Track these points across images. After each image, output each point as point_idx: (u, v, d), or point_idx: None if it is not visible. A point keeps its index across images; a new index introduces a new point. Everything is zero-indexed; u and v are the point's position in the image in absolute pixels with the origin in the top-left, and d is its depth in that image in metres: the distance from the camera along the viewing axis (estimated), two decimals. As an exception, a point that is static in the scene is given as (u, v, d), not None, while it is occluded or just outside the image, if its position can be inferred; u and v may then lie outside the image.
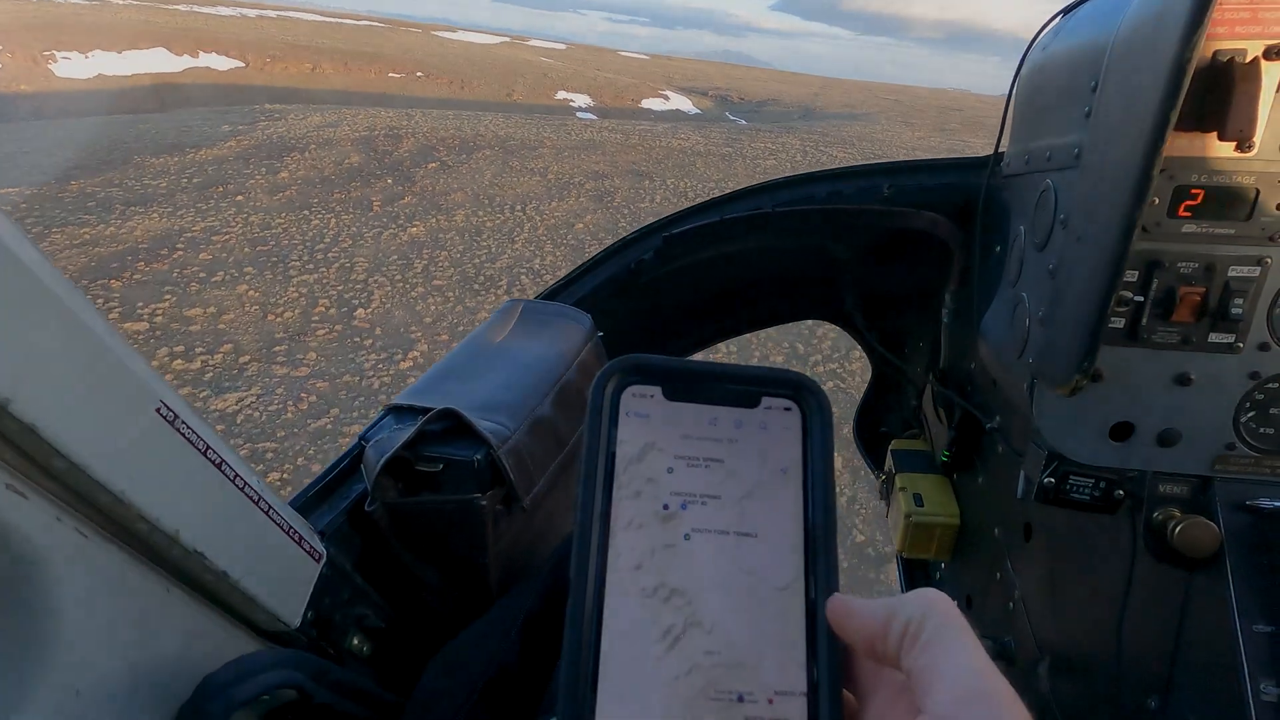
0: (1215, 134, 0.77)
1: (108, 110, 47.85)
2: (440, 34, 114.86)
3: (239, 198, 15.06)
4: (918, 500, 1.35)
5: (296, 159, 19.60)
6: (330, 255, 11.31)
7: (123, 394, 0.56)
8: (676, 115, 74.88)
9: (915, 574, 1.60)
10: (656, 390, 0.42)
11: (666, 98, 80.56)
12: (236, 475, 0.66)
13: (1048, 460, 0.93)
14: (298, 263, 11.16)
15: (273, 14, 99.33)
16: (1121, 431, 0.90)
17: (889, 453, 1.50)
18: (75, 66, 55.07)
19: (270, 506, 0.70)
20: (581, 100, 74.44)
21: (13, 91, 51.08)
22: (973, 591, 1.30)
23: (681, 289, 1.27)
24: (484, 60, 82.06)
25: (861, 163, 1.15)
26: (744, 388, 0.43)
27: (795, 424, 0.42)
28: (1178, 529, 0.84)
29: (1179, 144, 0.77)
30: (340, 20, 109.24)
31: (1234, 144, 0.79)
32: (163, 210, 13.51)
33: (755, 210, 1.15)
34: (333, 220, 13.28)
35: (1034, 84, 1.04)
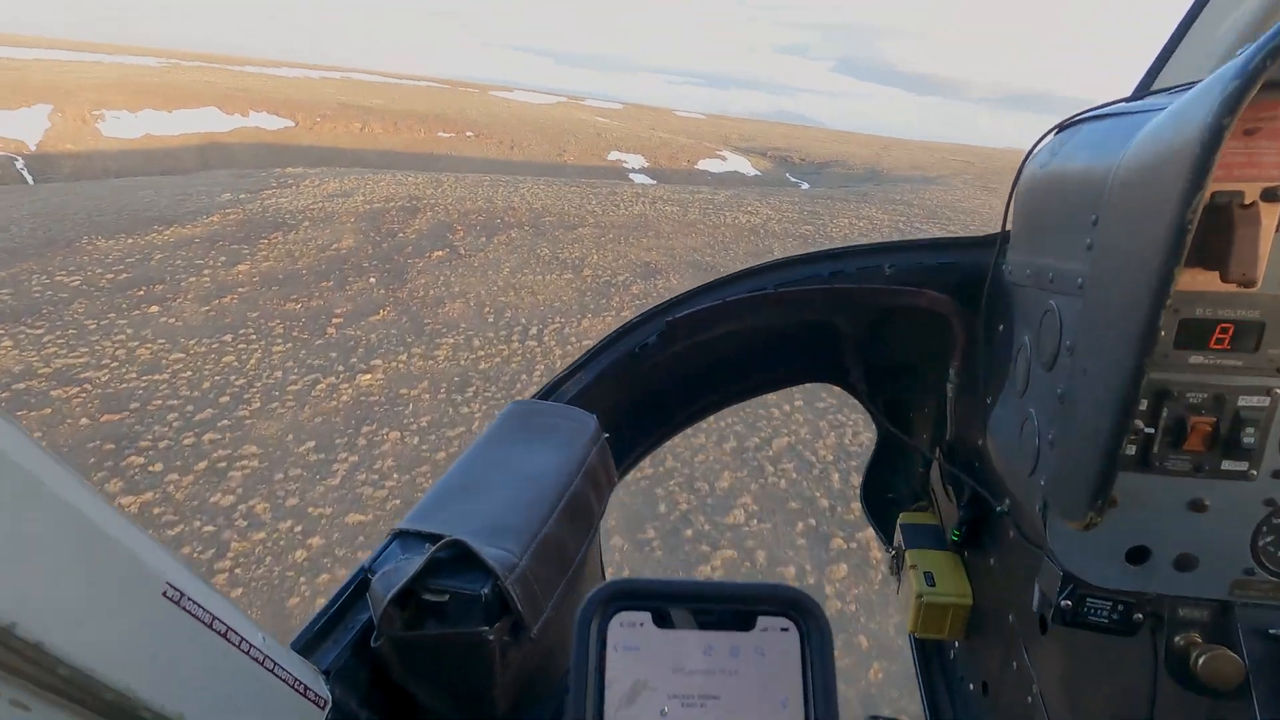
0: (1218, 273, 0.78)
1: (144, 170, 46.49)
2: (498, 94, 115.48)
3: (151, 309, 11.16)
4: (929, 579, 1.30)
5: (275, 242, 15.78)
6: (206, 444, 7.01)
7: (129, 586, 0.55)
8: (735, 177, 70.97)
9: (929, 654, 1.53)
10: (646, 617, 0.40)
11: (724, 158, 77.06)
12: (241, 640, 0.65)
13: (1063, 582, 0.92)
14: (139, 459, 6.86)
15: (336, 75, 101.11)
16: (1138, 555, 0.90)
17: (898, 526, 1.43)
18: (123, 125, 54.58)
19: (275, 663, 0.69)
20: (635, 161, 71.38)
21: (58, 151, 50.51)
22: (989, 678, 1.26)
23: (684, 367, 1.20)
24: (538, 120, 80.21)
25: (861, 242, 1.12)
26: (738, 608, 0.41)
27: (794, 646, 0.41)
28: (1201, 660, 0.84)
29: (1182, 279, 0.76)
30: (400, 81, 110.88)
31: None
32: (30, 333, 9.62)
33: (758, 292, 1.12)
34: (256, 354, 9.14)
35: (1034, 199, 1.02)
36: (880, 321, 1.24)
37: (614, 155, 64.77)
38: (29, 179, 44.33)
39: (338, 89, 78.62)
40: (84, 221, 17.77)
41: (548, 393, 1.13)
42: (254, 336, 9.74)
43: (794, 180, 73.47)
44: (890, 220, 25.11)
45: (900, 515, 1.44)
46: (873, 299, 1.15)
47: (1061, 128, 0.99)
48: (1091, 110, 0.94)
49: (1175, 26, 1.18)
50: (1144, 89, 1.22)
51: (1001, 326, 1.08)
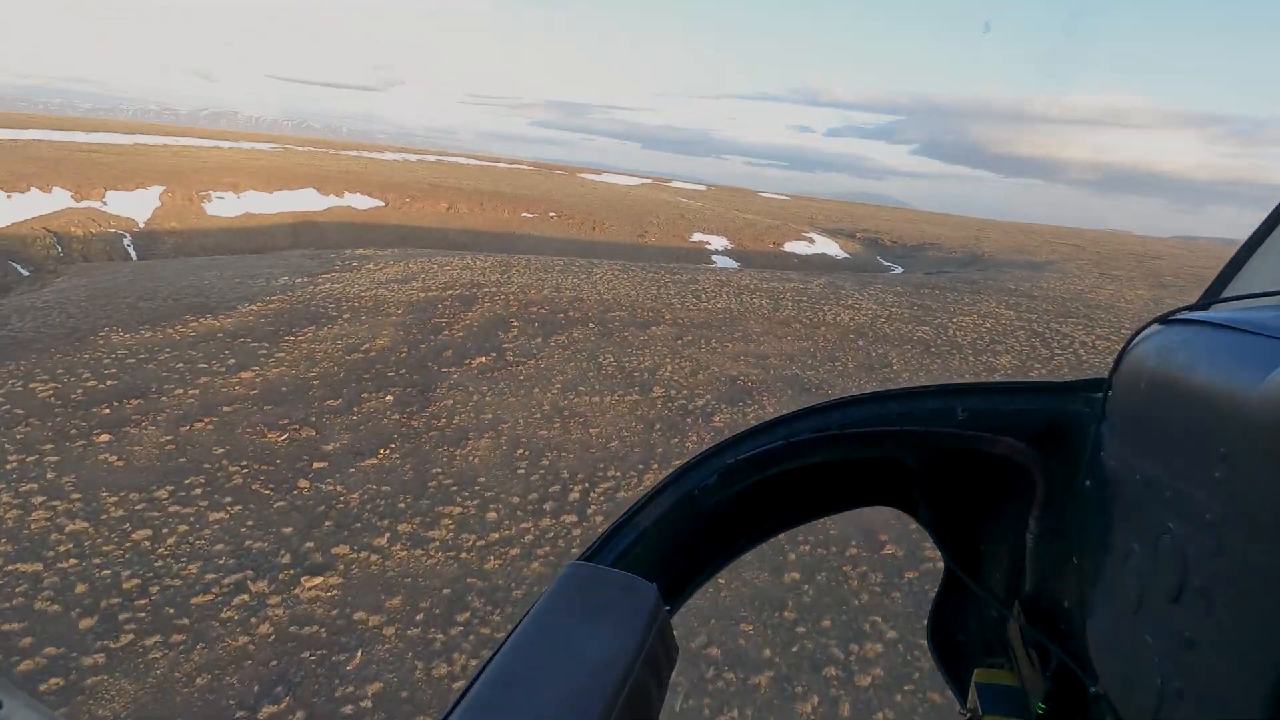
0: None
1: (239, 247, 47.76)
2: (585, 176, 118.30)
3: (102, 437, 8.94)
4: None
5: (303, 339, 13.67)
6: None
7: None
8: (823, 259, 67.83)
9: None
10: None
11: (811, 240, 74.26)
12: None
13: None
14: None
15: (433, 158, 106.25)
16: None
17: (973, 685, 1.31)
18: (226, 205, 57.23)
19: None
20: (719, 242, 69.60)
21: (164, 229, 53.10)
22: None
23: (745, 504, 1.19)
24: (621, 201, 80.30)
25: (932, 384, 1.11)
26: None
27: None
28: None
29: None
30: (494, 164, 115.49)
31: None
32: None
33: (822, 433, 1.11)
34: (182, 528, 6.54)
35: (1143, 397, 0.96)
36: (952, 462, 1.16)
37: (697, 236, 63.15)
38: (133, 254, 46.36)
39: (432, 171, 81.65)
40: (123, 307, 16.49)
41: (603, 543, 1.08)
42: (198, 493, 7.32)
43: (886, 263, 69.66)
44: (1018, 318, 21.20)
45: (976, 672, 1.28)
46: (945, 442, 1.08)
47: (1166, 320, 0.94)
48: (1201, 313, 0.90)
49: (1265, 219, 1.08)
50: (1230, 275, 1.09)
51: (1099, 504, 1.00)
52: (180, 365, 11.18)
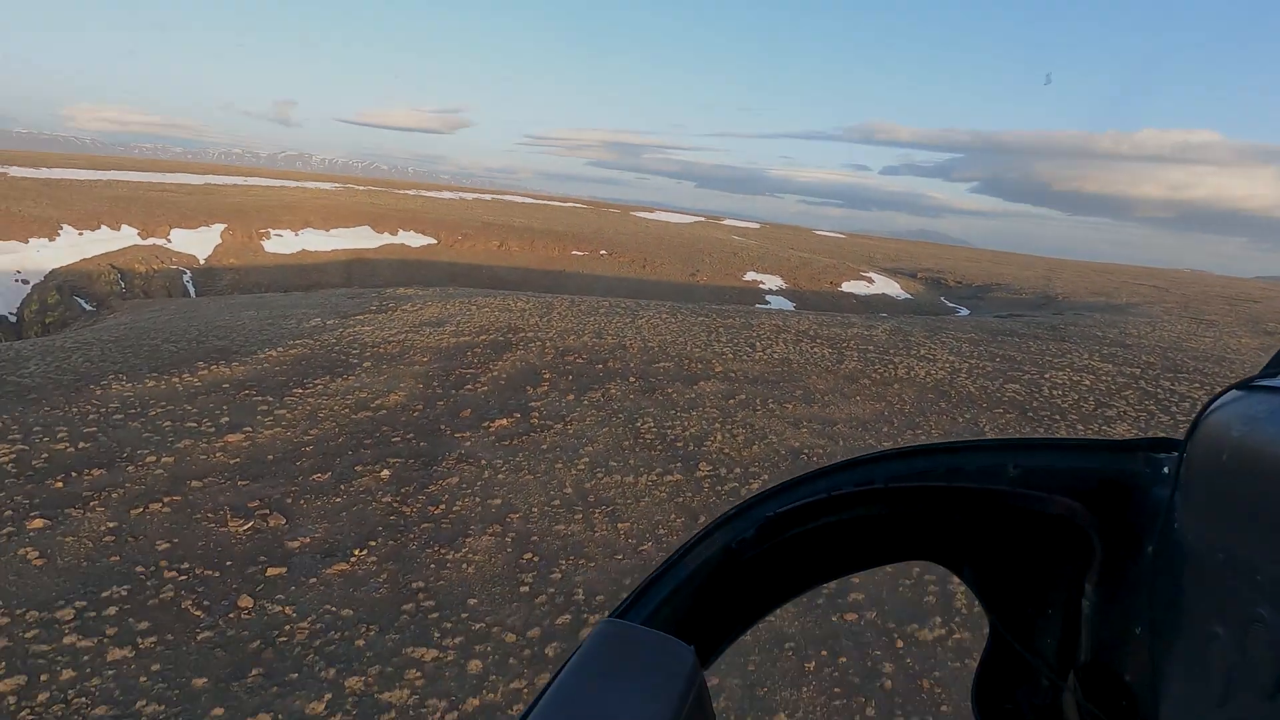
0: None
1: (292, 283, 48.13)
2: (638, 214, 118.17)
3: (36, 522, 7.58)
4: None
5: (312, 392, 12.33)
6: None
7: None
8: (883, 300, 64.85)
9: None
10: None
11: (870, 280, 71.32)
12: None
13: None
14: None
15: (487, 197, 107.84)
16: None
17: None
18: (284, 242, 58.31)
19: None
20: (773, 281, 67.40)
21: (223, 265, 54.19)
22: None
23: (783, 557, 1.15)
24: (674, 238, 79.10)
25: (983, 438, 1.20)
26: None
27: None
28: None
29: None
30: (548, 202, 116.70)
31: None
32: None
33: (866, 486, 1.08)
34: (94, 676, 4.93)
35: (1224, 469, 0.90)
36: (1002, 520, 1.11)
37: (750, 275, 61.22)
38: (192, 290, 47.25)
39: (486, 209, 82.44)
40: (144, 350, 15.64)
41: (636, 598, 1.06)
42: (112, 613, 5.78)
43: (950, 305, 66.19)
44: (1119, 372, 18.55)
45: None
46: (995, 500, 1.05)
47: (1249, 387, 0.89)
48: None
49: None
50: None
51: (1170, 577, 0.96)
52: (167, 424, 9.91)
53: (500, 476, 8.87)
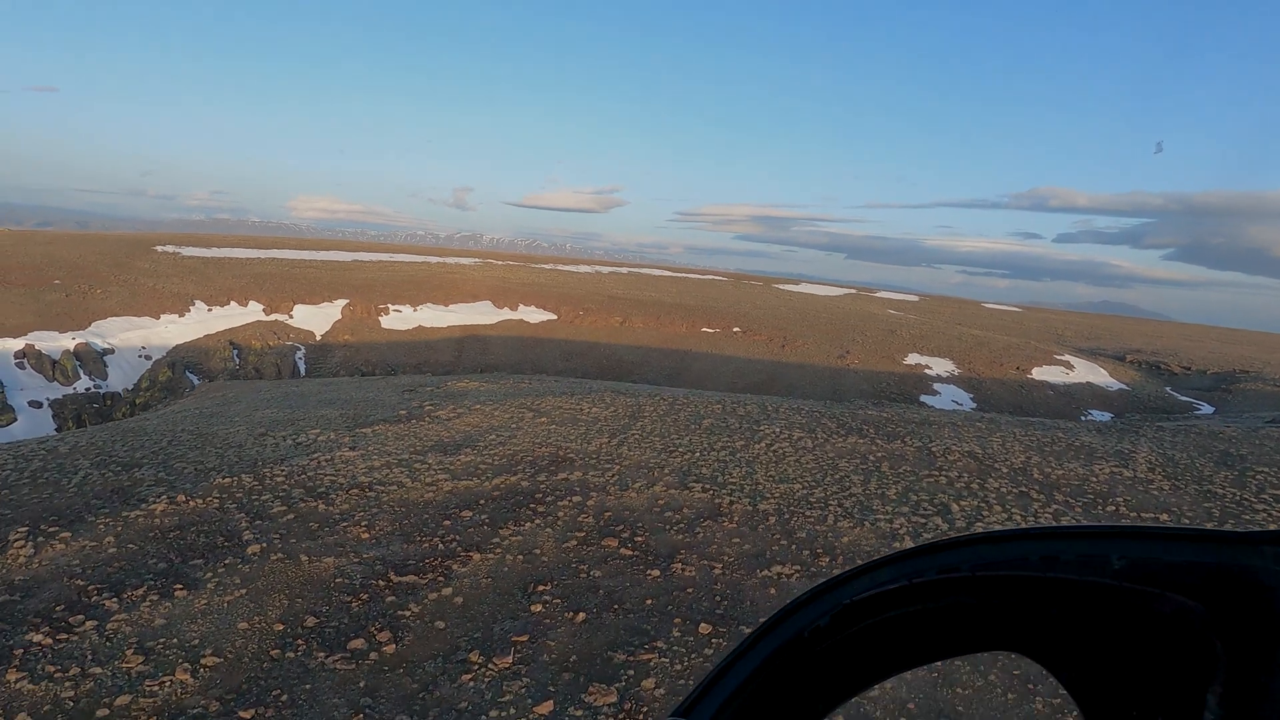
0: None
1: (401, 361, 45.32)
2: (781, 287, 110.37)
3: None
4: None
5: (247, 558, 6.52)
6: None
7: None
8: (1091, 392, 51.82)
9: None
10: None
11: (1068, 365, 58.15)
12: None
13: None
14: None
15: (624, 271, 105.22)
16: None
17: None
18: (401, 318, 56.50)
19: None
20: (941, 366, 56.40)
21: (337, 341, 52.79)
22: None
23: (857, 645, 1.06)
24: (820, 313, 70.31)
25: (1084, 524, 0.91)
26: None
27: None
28: None
29: None
30: (686, 275, 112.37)
31: None
32: None
33: (951, 574, 0.97)
34: None
35: None
36: (1106, 615, 0.93)
37: (912, 358, 51.37)
38: (302, 368, 45.90)
39: (619, 283, 78.83)
40: (147, 464, 10.85)
41: (703, 692, 1.02)
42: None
43: (1184, 399, 51.95)
44: None
45: None
46: (1097, 594, 0.90)
47: None
48: None
49: None
50: None
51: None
52: (70, 597, 4.57)
53: None
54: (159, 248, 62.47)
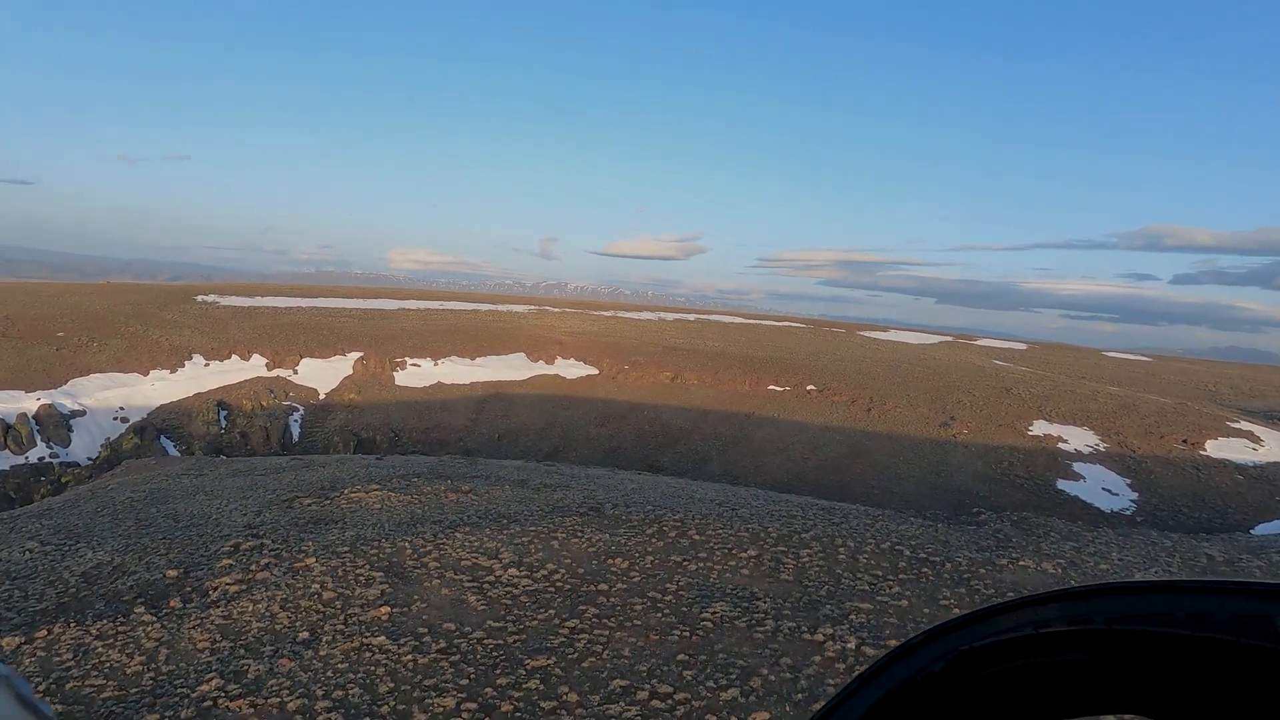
0: None
1: (410, 424, 38.56)
2: (867, 334, 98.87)
3: None
4: None
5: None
6: None
7: None
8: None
9: None
10: None
11: (1254, 439, 44.33)
12: None
13: None
14: None
15: (691, 318, 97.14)
16: None
17: None
18: (419, 373, 49.08)
19: None
20: (1080, 438, 43.35)
21: (341, 401, 45.85)
22: None
23: (971, 697, 1.04)
24: (913, 366, 59.25)
25: (1242, 578, 0.89)
26: None
27: None
28: None
29: None
30: (759, 322, 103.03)
31: None
32: None
33: (1082, 625, 0.93)
34: None
35: None
36: (1261, 682, 0.90)
37: (1039, 427, 40.38)
38: (295, 433, 39.96)
39: (681, 330, 70.83)
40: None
41: None
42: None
43: None
44: None
45: None
46: (1258, 659, 0.84)
47: None
48: None
49: None
50: None
51: None
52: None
53: None
54: (200, 297, 59.64)
